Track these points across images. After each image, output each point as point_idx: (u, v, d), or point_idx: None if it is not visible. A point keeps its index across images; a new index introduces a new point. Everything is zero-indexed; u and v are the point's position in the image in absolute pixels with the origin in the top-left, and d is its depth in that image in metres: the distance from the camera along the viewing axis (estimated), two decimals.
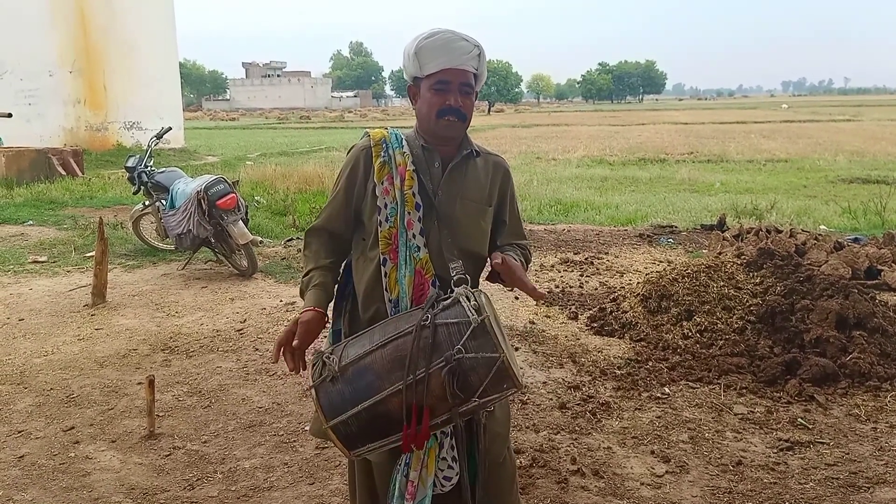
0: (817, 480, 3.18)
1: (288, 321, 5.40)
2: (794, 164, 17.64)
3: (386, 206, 2.08)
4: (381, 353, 1.89)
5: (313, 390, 1.92)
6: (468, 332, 1.83)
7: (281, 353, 2.07)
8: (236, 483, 3.22)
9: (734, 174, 15.86)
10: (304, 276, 2.19)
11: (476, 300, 1.89)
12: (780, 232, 7.63)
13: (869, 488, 3.11)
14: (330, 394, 1.90)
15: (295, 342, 2.03)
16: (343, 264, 2.28)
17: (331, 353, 1.95)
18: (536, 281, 6.57)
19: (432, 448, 2.05)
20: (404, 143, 2.15)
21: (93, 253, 6.46)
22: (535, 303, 5.94)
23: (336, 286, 2.24)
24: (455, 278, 2.03)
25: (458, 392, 1.81)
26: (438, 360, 1.82)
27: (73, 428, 3.74)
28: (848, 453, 3.41)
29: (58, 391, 4.21)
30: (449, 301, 1.93)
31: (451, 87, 2.05)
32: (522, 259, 2.25)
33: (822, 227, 9.10)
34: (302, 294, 2.18)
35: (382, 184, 2.09)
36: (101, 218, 6.39)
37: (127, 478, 3.26)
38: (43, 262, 7.43)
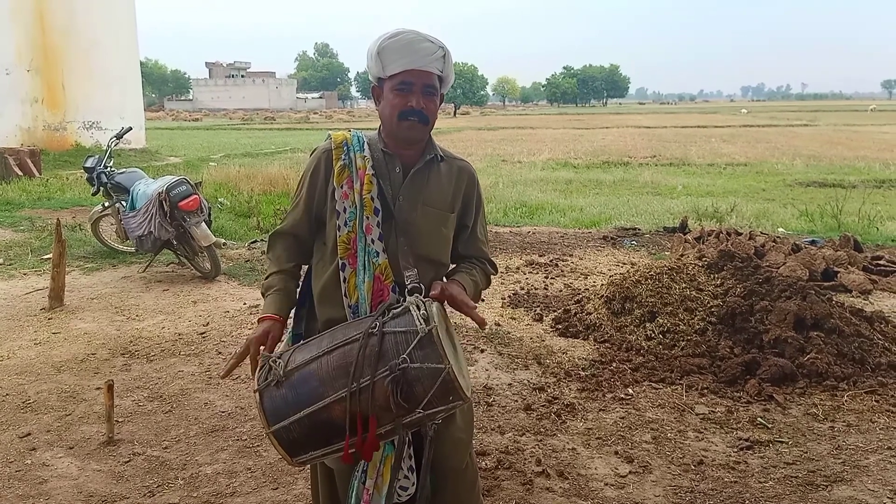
0: (777, 479, 3.23)
1: (252, 325, 5.38)
2: (753, 168, 17.98)
3: (345, 210, 2.05)
4: (326, 359, 1.87)
5: (257, 394, 1.90)
6: (415, 342, 1.81)
7: (241, 363, 2.04)
8: (198, 489, 3.17)
9: (695, 177, 16.11)
10: (265, 279, 2.18)
11: (426, 310, 1.87)
12: (740, 234, 7.77)
13: (827, 486, 3.17)
14: (274, 398, 1.87)
15: (262, 349, 2.00)
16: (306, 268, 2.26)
17: (278, 358, 1.93)
18: (502, 283, 6.60)
19: (389, 457, 2.03)
20: (365, 146, 2.12)
21: (50, 255, 6.32)
22: (499, 305, 5.97)
23: (298, 290, 2.22)
24: (409, 286, 2.01)
25: (401, 402, 1.78)
26: (383, 369, 1.79)
27: (29, 434, 3.64)
28: (806, 452, 3.47)
29: (13, 397, 4.10)
30: (399, 309, 1.90)
31: (414, 89, 2.02)
32: (478, 278, 2.22)
33: (781, 229, 9.29)
34: (263, 296, 2.16)
35: (342, 187, 2.07)
36: (58, 219, 6.25)
37: (85, 485, 3.19)
38: None
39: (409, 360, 1.79)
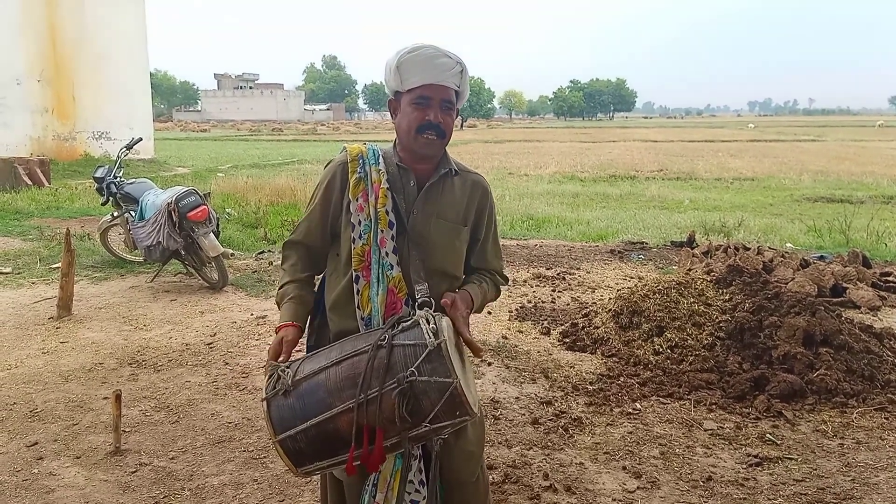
0: (786, 496, 3.21)
1: (260, 335, 5.38)
2: (760, 183, 17.96)
3: (360, 222, 2.07)
4: (335, 370, 1.87)
5: (265, 403, 1.90)
6: (423, 355, 1.81)
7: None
8: (204, 500, 3.17)
9: (702, 192, 16.09)
10: (279, 289, 2.19)
11: (435, 324, 1.87)
12: (748, 249, 7.75)
13: None
14: (281, 408, 1.88)
15: (281, 358, 2.01)
16: (319, 279, 2.27)
17: (287, 367, 1.93)
18: (509, 296, 6.59)
19: (399, 471, 2.03)
20: (381, 159, 2.13)
21: (59, 264, 6.35)
22: (506, 318, 5.96)
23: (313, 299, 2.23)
24: (419, 300, 2.02)
25: (407, 415, 1.78)
26: (391, 381, 1.80)
27: (36, 443, 3.65)
28: (816, 469, 3.45)
29: (21, 406, 4.11)
30: (409, 323, 1.91)
31: (432, 103, 2.03)
32: (486, 288, 2.22)
33: (789, 244, 9.25)
34: (278, 305, 2.16)
35: (357, 200, 2.08)
36: (68, 229, 6.28)
37: (92, 495, 3.19)
38: (7, 273, 7.27)
39: (417, 374, 1.79)
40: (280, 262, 2.29)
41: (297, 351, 2.20)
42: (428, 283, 2.06)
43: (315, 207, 2.17)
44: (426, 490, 2.06)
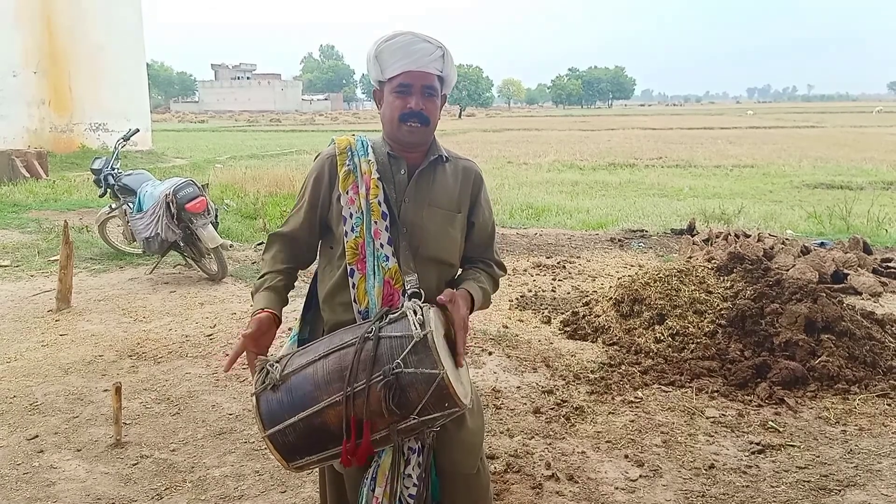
0: (789, 483, 3.20)
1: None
2: (759, 170, 17.92)
3: (351, 215, 2.04)
4: (323, 363, 1.85)
5: (254, 398, 1.88)
6: (409, 347, 1.79)
7: (238, 360, 1.99)
8: (206, 492, 3.16)
9: (702, 179, 16.07)
10: (258, 279, 2.15)
11: (423, 315, 1.85)
12: (749, 236, 7.73)
13: (840, 491, 3.14)
14: (270, 402, 1.86)
15: (254, 349, 1.95)
16: (312, 274, 2.24)
17: (276, 362, 1.91)
18: (509, 285, 6.57)
19: (395, 464, 2.01)
20: (370, 150, 2.10)
21: (57, 257, 6.33)
22: (507, 307, 5.94)
23: (304, 295, 2.20)
24: (409, 292, 1.99)
25: (394, 408, 1.76)
26: (377, 374, 1.77)
27: (36, 436, 3.64)
28: (818, 456, 3.44)
29: (21, 399, 4.10)
30: (397, 314, 1.89)
31: (413, 90, 2.00)
32: (486, 284, 2.18)
33: (789, 231, 9.23)
34: (253, 295, 2.12)
35: (347, 193, 2.05)
36: (66, 221, 6.26)
37: (93, 488, 3.18)
38: (6, 266, 7.25)
39: (403, 365, 1.77)
40: (262, 252, 2.25)
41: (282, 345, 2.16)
42: (420, 272, 2.03)
43: (303, 202, 2.14)
44: (423, 485, 2.05)
